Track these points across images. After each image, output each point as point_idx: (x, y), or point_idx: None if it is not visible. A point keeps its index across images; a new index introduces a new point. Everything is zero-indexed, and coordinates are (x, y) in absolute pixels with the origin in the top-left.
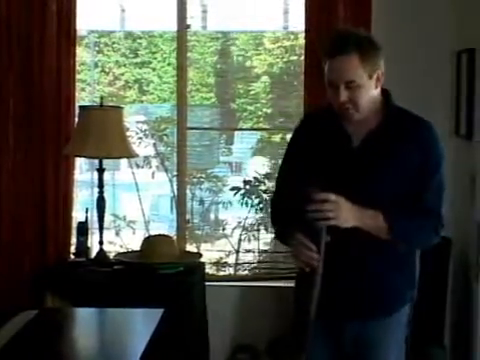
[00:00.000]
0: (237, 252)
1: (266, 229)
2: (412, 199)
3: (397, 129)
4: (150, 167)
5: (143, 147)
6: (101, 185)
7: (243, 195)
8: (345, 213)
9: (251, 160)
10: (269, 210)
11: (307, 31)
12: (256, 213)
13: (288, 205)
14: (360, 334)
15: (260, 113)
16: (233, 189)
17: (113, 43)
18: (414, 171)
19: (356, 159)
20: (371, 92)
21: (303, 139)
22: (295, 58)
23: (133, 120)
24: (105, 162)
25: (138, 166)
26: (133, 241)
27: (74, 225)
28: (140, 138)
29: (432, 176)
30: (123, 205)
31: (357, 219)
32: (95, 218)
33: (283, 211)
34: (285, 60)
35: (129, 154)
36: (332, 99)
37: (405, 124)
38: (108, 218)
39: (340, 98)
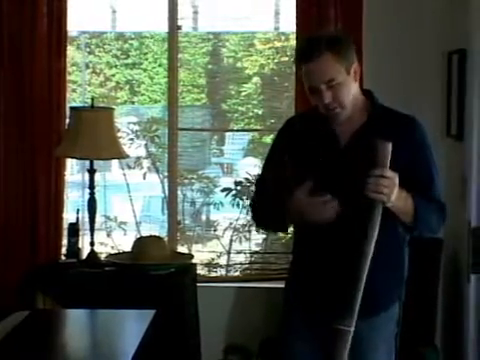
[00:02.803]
0: (228, 253)
1: (257, 230)
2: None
3: (383, 126)
4: (141, 168)
5: (134, 148)
6: (92, 186)
7: (234, 196)
8: (395, 191)
9: (242, 161)
10: (251, 214)
11: (298, 32)
12: (247, 214)
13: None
14: None
15: (251, 114)
16: (224, 190)
17: (104, 44)
18: (404, 167)
19: (344, 158)
20: (352, 87)
21: (287, 142)
22: (286, 59)
23: (124, 121)
24: (96, 163)
25: (129, 167)
26: (124, 242)
27: (65, 226)
28: (131, 139)
29: (429, 168)
30: (114, 206)
31: (397, 200)
32: (86, 219)
33: (268, 204)
34: (276, 61)
35: (120, 155)
36: (317, 103)
37: (390, 121)
38: (99, 219)
39: (325, 100)
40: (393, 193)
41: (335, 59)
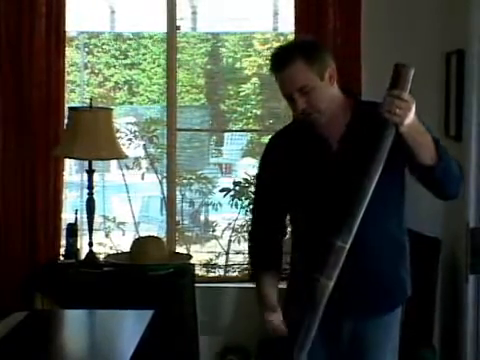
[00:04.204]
0: (227, 253)
1: None
2: None
3: (370, 121)
4: (140, 168)
5: (133, 148)
6: (91, 186)
7: (233, 196)
8: (409, 117)
9: (241, 161)
10: (247, 243)
11: (297, 32)
12: (246, 214)
13: (270, 240)
14: (358, 332)
15: (250, 114)
16: (223, 190)
17: (103, 44)
18: (401, 153)
19: (339, 161)
20: (328, 92)
21: (277, 160)
22: None
23: (123, 121)
24: (95, 163)
25: (128, 167)
26: (123, 242)
27: (64, 227)
28: (130, 139)
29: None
30: (113, 206)
31: (413, 129)
32: (85, 220)
33: (263, 252)
34: None
35: (119, 155)
36: (293, 111)
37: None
38: (98, 219)
39: (299, 107)
40: (407, 117)
41: (306, 66)
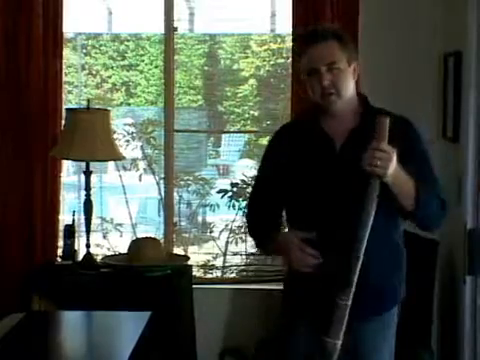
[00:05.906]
0: (224, 255)
1: None
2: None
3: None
4: (137, 170)
5: (130, 150)
6: (88, 188)
7: (230, 198)
8: (391, 167)
9: (238, 162)
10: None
11: (294, 34)
12: (243, 215)
13: (267, 221)
14: (355, 334)
15: (247, 116)
16: (220, 191)
17: (100, 45)
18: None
19: (340, 163)
20: (350, 81)
21: (282, 150)
22: (282, 61)
23: (120, 123)
24: (92, 165)
25: (125, 169)
26: (120, 244)
27: (61, 228)
28: (127, 141)
29: (426, 165)
30: (110, 208)
31: (396, 178)
32: (82, 221)
33: (263, 224)
34: (272, 63)
35: (116, 157)
36: (314, 88)
37: None
38: (95, 221)
39: (323, 82)
40: (389, 167)
41: (339, 47)
